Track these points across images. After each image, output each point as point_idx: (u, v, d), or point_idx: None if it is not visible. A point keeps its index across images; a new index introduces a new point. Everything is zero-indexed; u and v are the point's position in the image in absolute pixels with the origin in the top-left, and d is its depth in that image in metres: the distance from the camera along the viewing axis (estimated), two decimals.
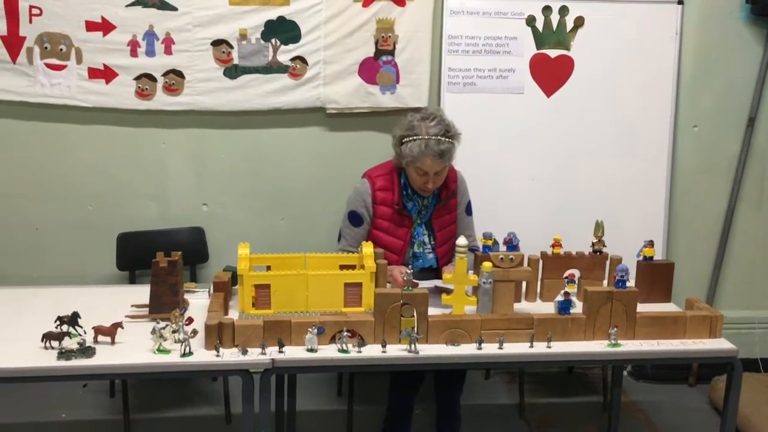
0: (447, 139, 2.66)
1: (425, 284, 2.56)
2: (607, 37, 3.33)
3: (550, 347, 2.24)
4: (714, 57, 3.42)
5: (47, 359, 2.04)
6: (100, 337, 2.14)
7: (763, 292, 3.65)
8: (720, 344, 2.31)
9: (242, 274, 2.34)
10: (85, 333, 2.16)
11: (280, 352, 2.13)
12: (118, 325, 2.16)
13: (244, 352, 2.11)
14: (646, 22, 3.34)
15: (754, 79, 3.43)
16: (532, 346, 2.23)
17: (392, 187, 2.79)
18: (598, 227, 2.65)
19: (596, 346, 2.27)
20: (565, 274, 2.63)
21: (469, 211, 2.95)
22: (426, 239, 2.83)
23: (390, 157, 2.88)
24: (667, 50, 3.37)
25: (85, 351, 2.05)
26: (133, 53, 3.14)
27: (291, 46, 3.20)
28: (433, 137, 2.65)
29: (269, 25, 3.17)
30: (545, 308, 2.44)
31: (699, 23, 3.37)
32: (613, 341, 2.26)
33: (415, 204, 2.81)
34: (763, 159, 3.53)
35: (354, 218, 2.81)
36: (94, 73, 3.14)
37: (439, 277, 2.69)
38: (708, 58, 3.41)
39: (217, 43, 3.17)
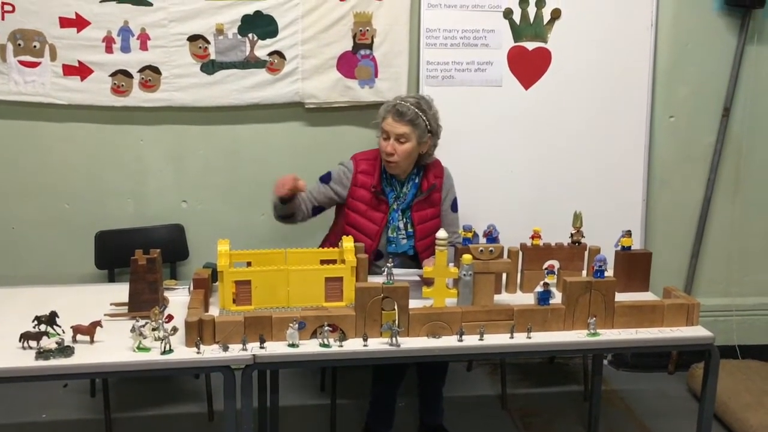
0: (414, 108, 2.70)
1: (405, 273, 2.57)
2: (584, 29, 3.35)
3: (530, 338, 2.25)
4: (689, 48, 3.45)
5: (25, 359, 2.01)
6: (79, 336, 2.12)
7: (739, 280, 3.70)
8: (697, 332, 2.34)
9: (222, 271, 2.33)
10: (63, 332, 2.14)
11: (262, 347, 2.12)
12: (97, 324, 2.14)
13: (225, 349, 2.10)
14: (622, 13, 3.36)
15: (728, 70, 3.47)
16: (512, 337, 2.25)
17: (373, 172, 2.81)
18: (577, 218, 2.67)
19: (576, 336, 2.29)
20: (545, 265, 2.64)
21: (454, 208, 2.95)
22: (401, 225, 2.84)
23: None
24: (643, 41, 3.40)
25: (64, 350, 2.03)
26: (108, 49, 3.11)
27: (268, 41, 3.19)
28: (402, 102, 2.73)
29: (246, 19, 3.15)
30: (525, 299, 2.46)
31: (674, 14, 3.40)
32: (592, 331, 2.28)
33: (393, 189, 2.83)
34: (738, 148, 3.57)
35: (325, 176, 2.86)
36: (68, 70, 3.11)
37: (417, 266, 2.72)
38: (683, 48, 3.45)
39: (193, 38, 3.14)
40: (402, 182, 2.84)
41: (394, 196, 2.83)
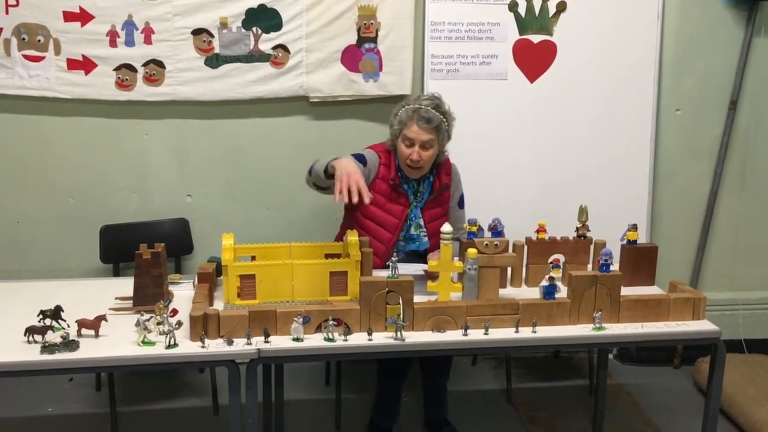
0: (436, 112, 2.68)
1: (412, 268, 2.57)
2: (590, 22, 3.33)
3: (535, 332, 2.25)
4: (696, 40, 3.43)
5: (30, 353, 2.02)
6: (84, 331, 2.12)
7: (746, 273, 3.69)
8: (703, 326, 2.33)
9: (227, 265, 2.33)
10: (68, 326, 2.14)
11: (266, 342, 2.12)
12: (101, 318, 2.14)
13: (230, 343, 2.10)
14: (628, 5, 3.34)
15: (735, 62, 3.45)
16: (517, 331, 2.24)
17: (390, 164, 2.79)
18: (582, 212, 2.66)
19: (581, 330, 2.28)
20: (550, 259, 2.63)
21: (461, 204, 2.95)
22: (422, 222, 2.83)
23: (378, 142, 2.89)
24: (649, 34, 3.38)
25: (69, 344, 2.03)
26: (112, 43, 3.10)
27: (272, 35, 3.18)
28: (423, 106, 2.68)
29: (250, 13, 3.14)
30: (530, 293, 2.45)
31: (680, 6, 3.38)
32: (597, 325, 2.27)
33: (410, 187, 2.82)
34: (745, 142, 3.55)
35: (361, 156, 2.73)
36: (72, 64, 3.11)
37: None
38: (690, 41, 3.43)
39: (197, 32, 3.14)
40: (418, 180, 2.83)
41: (412, 192, 2.82)
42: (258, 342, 2.12)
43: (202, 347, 2.08)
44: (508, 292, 2.52)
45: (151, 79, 3.16)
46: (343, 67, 3.24)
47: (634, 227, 2.62)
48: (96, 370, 2.67)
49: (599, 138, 3.42)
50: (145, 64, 3.14)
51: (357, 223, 2.75)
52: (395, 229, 2.78)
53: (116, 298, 2.40)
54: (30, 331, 2.08)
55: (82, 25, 3.07)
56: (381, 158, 2.78)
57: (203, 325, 2.11)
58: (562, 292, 2.36)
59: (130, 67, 3.14)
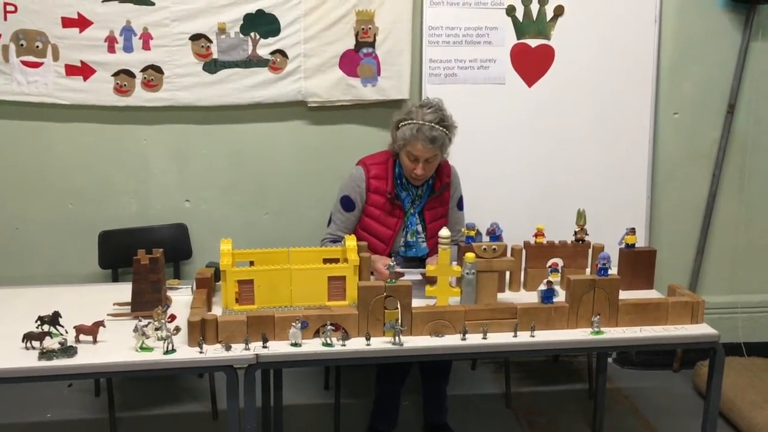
0: (440, 128, 2.68)
1: (412, 272, 2.57)
2: (587, 26, 3.34)
3: (533, 336, 2.25)
4: (693, 44, 3.43)
5: (28, 360, 2.02)
6: (82, 336, 2.12)
7: (745, 276, 3.68)
8: (702, 329, 2.33)
9: (225, 270, 2.33)
10: (66, 332, 2.14)
11: (264, 347, 2.12)
12: (99, 324, 2.14)
13: (228, 348, 2.10)
14: (626, 9, 3.35)
15: (733, 66, 3.45)
16: (515, 336, 2.24)
17: (386, 175, 2.80)
18: (580, 216, 2.66)
19: (579, 334, 2.28)
20: (548, 263, 2.64)
21: (460, 206, 2.95)
22: (419, 228, 2.84)
23: (376, 149, 2.90)
24: (647, 38, 3.38)
25: (67, 350, 2.03)
26: (111, 49, 3.10)
27: (270, 40, 3.18)
28: (427, 123, 2.67)
29: (248, 18, 3.15)
30: (529, 298, 2.45)
31: (678, 10, 3.39)
32: (596, 329, 2.27)
33: (409, 193, 2.82)
34: (743, 145, 3.55)
35: (346, 203, 2.81)
36: (71, 70, 3.11)
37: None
38: (688, 45, 3.43)
39: (195, 37, 3.14)
40: (414, 183, 2.83)
41: (410, 200, 2.83)
42: (256, 347, 2.12)
43: (200, 353, 2.08)
44: (507, 296, 2.53)
45: (150, 85, 3.16)
46: (341, 71, 3.24)
47: (633, 231, 2.62)
48: (93, 376, 2.68)
49: (597, 142, 3.42)
50: (144, 70, 3.14)
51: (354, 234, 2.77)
52: (389, 240, 2.80)
53: (114, 304, 2.40)
54: (28, 337, 2.08)
55: (81, 31, 3.08)
56: (370, 171, 2.80)
57: (201, 330, 2.11)
58: (561, 296, 2.36)
59: (129, 73, 3.14)
